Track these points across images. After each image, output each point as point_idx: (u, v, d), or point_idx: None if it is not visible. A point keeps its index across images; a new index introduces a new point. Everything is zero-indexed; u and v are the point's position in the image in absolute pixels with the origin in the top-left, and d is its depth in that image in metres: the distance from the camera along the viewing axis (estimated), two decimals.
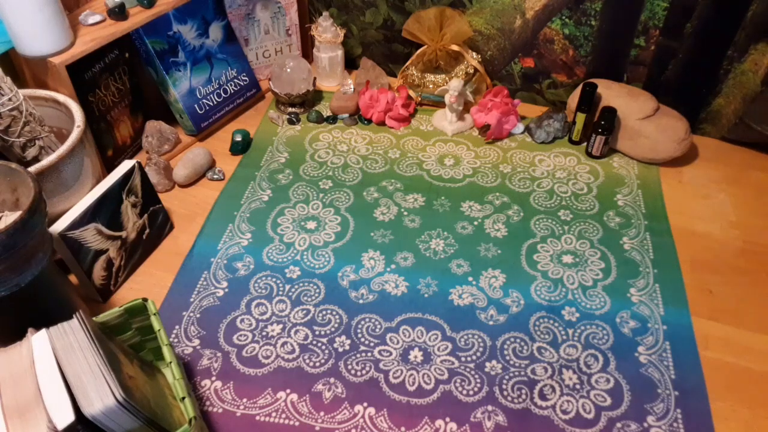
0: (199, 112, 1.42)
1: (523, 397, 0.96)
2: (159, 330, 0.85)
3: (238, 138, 1.42)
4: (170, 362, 0.82)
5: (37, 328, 0.75)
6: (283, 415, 0.93)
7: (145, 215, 1.16)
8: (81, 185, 1.07)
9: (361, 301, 1.10)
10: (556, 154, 1.43)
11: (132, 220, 1.13)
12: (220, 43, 1.45)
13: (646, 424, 0.93)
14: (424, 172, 1.38)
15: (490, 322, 1.06)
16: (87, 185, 1.09)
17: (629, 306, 1.09)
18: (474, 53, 1.50)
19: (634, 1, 1.34)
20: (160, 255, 1.19)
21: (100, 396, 0.68)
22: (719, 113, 1.43)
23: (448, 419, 0.93)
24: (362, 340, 1.04)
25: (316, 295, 1.11)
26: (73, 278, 1.08)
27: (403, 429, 0.92)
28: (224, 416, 0.93)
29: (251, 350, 1.02)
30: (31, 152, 1.04)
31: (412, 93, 1.55)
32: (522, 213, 1.28)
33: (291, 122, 1.52)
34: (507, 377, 0.98)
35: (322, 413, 0.94)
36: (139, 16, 1.29)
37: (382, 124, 1.52)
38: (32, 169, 0.96)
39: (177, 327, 1.06)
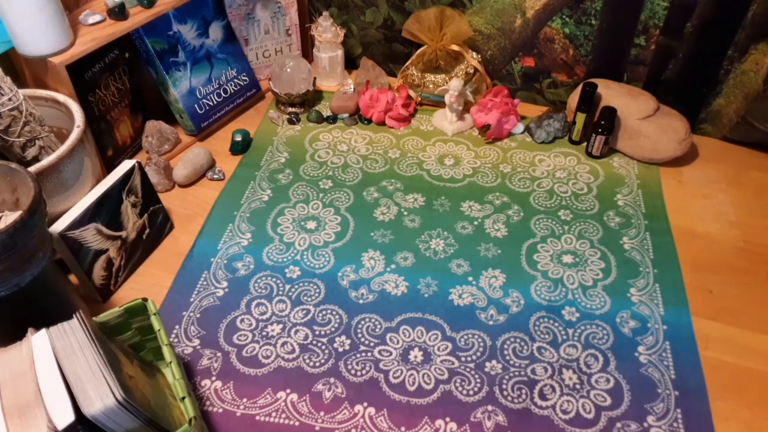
0: (199, 112, 1.42)
1: (523, 397, 0.96)
2: (159, 330, 0.85)
3: (238, 138, 1.42)
4: (170, 362, 0.82)
5: (37, 328, 0.75)
6: (283, 415, 0.93)
7: (145, 215, 1.16)
8: (81, 185, 1.07)
9: (361, 301, 1.10)
10: (556, 154, 1.43)
11: (132, 220, 1.13)
12: (220, 43, 1.45)
13: (646, 424, 0.93)
14: (424, 172, 1.38)
15: (490, 322, 1.06)
16: (87, 185, 1.09)
17: (629, 306, 1.09)
18: (474, 53, 1.50)
19: (635, 1, 1.34)
20: (160, 255, 1.19)
21: (100, 396, 0.68)
22: (719, 113, 1.43)
23: (448, 419, 0.93)
24: (362, 340, 1.04)
25: (316, 295, 1.11)
26: (73, 278, 1.08)
27: (403, 429, 0.92)
28: (224, 416, 0.93)
29: (251, 350, 1.02)
30: (31, 152, 1.04)
31: (412, 93, 1.55)
32: (522, 213, 1.28)
33: (291, 122, 1.52)
34: (507, 377, 0.98)
35: (322, 413, 0.94)
36: (139, 16, 1.29)
37: (382, 124, 1.52)
38: (32, 169, 0.96)
39: (177, 327, 1.06)
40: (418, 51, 1.51)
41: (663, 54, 1.39)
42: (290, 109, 1.55)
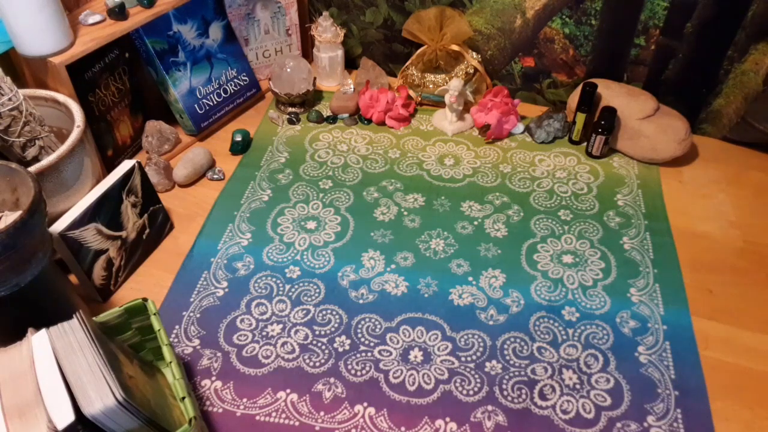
0: (199, 111, 1.42)
1: (523, 397, 0.96)
2: (159, 330, 0.85)
3: (238, 138, 1.42)
4: (170, 362, 0.82)
5: (37, 328, 0.75)
6: (283, 415, 0.93)
7: (145, 215, 1.16)
8: (81, 185, 1.07)
9: (361, 301, 1.10)
10: (556, 154, 1.43)
11: (132, 220, 1.13)
12: (220, 43, 1.45)
13: (646, 424, 0.93)
14: (424, 172, 1.38)
15: (490, 322, 1.06)
16: (87, 185, 1.09)
17: (629, 306, 1.09)
18: (474, 53, 1.50)
19: (635, 1, 1.34)
20: (160, 255, 1.19)
21: (100, 396, 0.68)
22: (719, 113, 1.43)
23: (448, 419, 0.93)
24: (362, 340, 1.04)
25: (316, 295, 1.11)
26: (73, 278, 1.08)
27: (403, 429, 0.92)
28: (224, 416, 0.93)
29: (251, 350, 1.02)
30: (31, 152, 1.04)
31: (412, 93, 1.55)
32: (522, 213, 1.28)
33: (291, 122, 1.52)
34: (507, 377, 0.98)
35: (322, 413, 0.94)
36: (139, 16, 1.29)
37: (382, 124, 1.52)
38: (32, 169, 0.96)
39: (177, 327, 1.06)
40: (418, 51, 1.51)
41: (663, 54, 1.39)
42: (290, 109, 1.55)
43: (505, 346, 1.03)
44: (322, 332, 1.05)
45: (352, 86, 1.54)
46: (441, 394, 0.96)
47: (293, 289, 1.12)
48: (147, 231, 1.17)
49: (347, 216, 1.27)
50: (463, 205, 1.29)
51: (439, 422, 0.93)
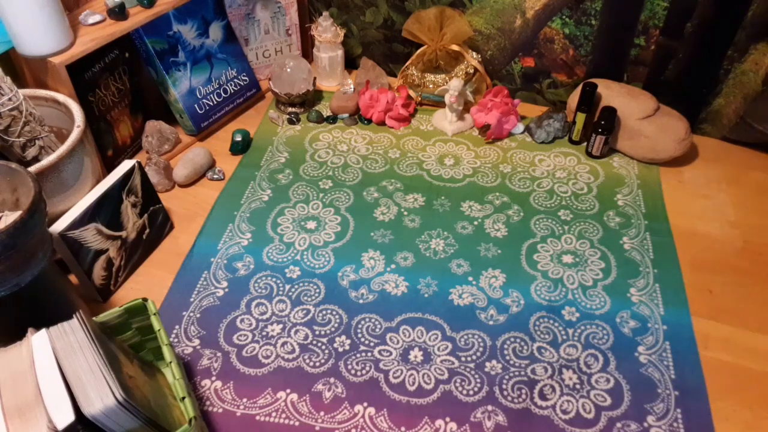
0: (199, 111, 1.42)
1: (523, 397, 0.96)
2: (159, 330, 0.85)
3: (238, 138, 1.42)
4: (170, 362, 0.82)
5: (37, 328, 0.75)
6: (283, 415, 0.93)
7: (145, 215, 1.16)
8: (81, 185, 1.07)
9: (361, 301, 1.10)
10: (556, 154, 1.43)
11: (132, 220, 1.13)
12: (220, 43, 1.45)
13: (646, 424, 0.93)
14: (424, 172, 1.38)
15: (490, 322, 1.06)
16: (87, 185, 1.09)
17: (629, 306, 1.09)
18: (474, 53, 1.50)
19: (635, 1, 1.34)
20: (160, 255, 1.19)
21: (100, 396, 0.68)
22: (719, 113, 1.43)
23: (448, 419, 0.93)
24: (362, 340, 1.04)
25: (316, 295, 1.11)
26: (73, 278, 1.08)
27: (403, 429, 0.92)
28: (224, 416, 0.93)
29: (251, 350, 1.02)
30: (31, 152, 1.04)
31: (412, 93, 1.55)
32: (522, 213, 1.28)
33: (291, 122, 1.52)
34: (507, 377, 0.98)
35: (322, 413, 0.94)
36: (139, 16, 1.29)
37: (382, 124, 1.52)
38: (32, 169, 0.96)
39: (177, 327, 1.06)
40: (418, 51, 1.51)
41: (663, 54, 1.39)
42: (290, 109, 1.55)
43: (505, 346, 1.03)
44: (322, 332, 1.05)
45: (352, 86, 1.54)
46: (441, 394, 0.96)
47: (293, 289, 1.12)
48: (147, 231, 1.17)
49: (347, 216, 1.27)
50: (463, 205, 1.29)
51: (439, 422, 0.93)
